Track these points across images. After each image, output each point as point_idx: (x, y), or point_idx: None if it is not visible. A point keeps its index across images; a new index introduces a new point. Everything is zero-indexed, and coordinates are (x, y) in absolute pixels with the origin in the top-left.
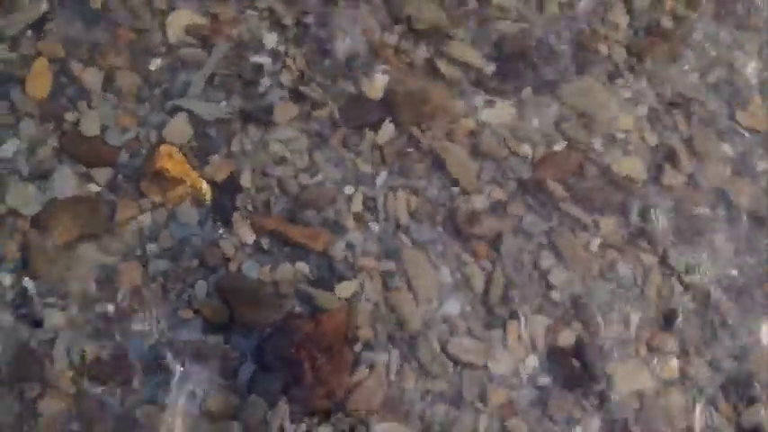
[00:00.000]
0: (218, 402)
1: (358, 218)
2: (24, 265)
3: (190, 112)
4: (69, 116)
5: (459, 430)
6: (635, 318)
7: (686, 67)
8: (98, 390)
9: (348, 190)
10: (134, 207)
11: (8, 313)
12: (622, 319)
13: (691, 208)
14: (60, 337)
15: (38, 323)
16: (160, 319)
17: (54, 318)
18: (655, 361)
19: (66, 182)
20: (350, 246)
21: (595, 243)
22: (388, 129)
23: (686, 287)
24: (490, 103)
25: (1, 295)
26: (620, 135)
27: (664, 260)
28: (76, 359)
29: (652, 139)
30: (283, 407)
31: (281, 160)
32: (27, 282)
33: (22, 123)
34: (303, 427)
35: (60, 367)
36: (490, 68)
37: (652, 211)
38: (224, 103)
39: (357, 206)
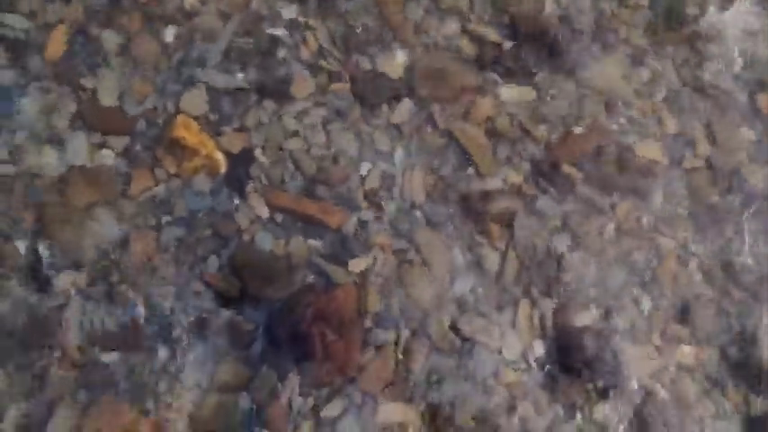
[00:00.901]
0: (229, 373)
1: (373, 195)
2: (39, 231)
3: (206, 84)
4: (87, 83)
5: (468, 409)
6: (648, 304)
7: (707, 52)
8: (107, 357)
9: (364, 167)
10: (149, 176)
11: (20, 279)
12: (635, 304)
13: (707, 194)
14: (71, 305)
15: (49, 288)
16: (172, 289)
17: (66, 284)
18: (666, 347)
19: (81, 149)
20: (364, 223)
21: (611, 227)
22: (406, 106)
23: (703, 274)
24: (509, 84)
25: (14, 261)
26: (640, 118)
27: (681, 246)
28: (87, 326)
29: (671, 124)
30: (293, 380)
31: (297, 135)
32: (41, 247)
33: (40, 89)
34: (311, 401)
35: (71, 334)
36: (510, 49)
37: (670, 196)
38: (240, 75)
39: (372, 183)
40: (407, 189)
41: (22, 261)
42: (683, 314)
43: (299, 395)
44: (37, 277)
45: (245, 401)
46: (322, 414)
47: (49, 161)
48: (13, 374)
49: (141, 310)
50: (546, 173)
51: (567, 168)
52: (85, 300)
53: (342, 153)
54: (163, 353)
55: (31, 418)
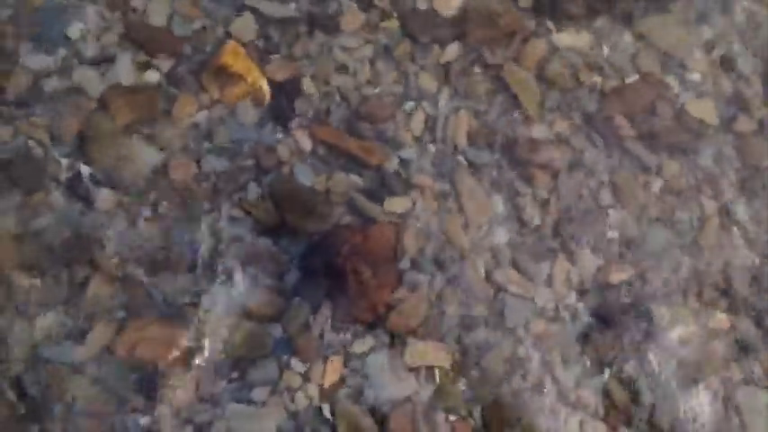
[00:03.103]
0: (262, 302)
1: (416, 135)
2: (81, 148)
3: (256, 10)
4: (137, 3)
5: (496, 356)
6: (688, 265)
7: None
8: (145, 277)
9: (409, 106)
10: (193, 101)
11: (62, 194)
12: (674, 265)
13: (757, 159)
14: (112, 223)
15: (90, 205)
16: (211, 214)
17: (107, 202)
18: (702, 311)
19: (127, 69)
20: (405, 163)
21: (657, 185)
22: (455, 46)
23: (745, 240)
24: (564, 30)
25: (56, 176)
26: (697, 76)
27: (725, 210)
28: (127, 245)
29: (728, 84)
30: (325, 313)
31: (344, 69)
32: (83, 165)
33: (89, 6)
34: (343, 335)
35: (111, 252)
36: None
37: (720, 158)
38: (292, 4)
39: (416, 123)
40: (451, 131)
41: (65, 177)
42: (722, 278)
43: (331, 329)
44: (79, 194)
45: (276, 330)
46: (351, 350)
47: (94, 78)
48: (53, 287)
49: (178, 232)
50: (596, 125)
51: (618, 122)
52: (126, 219)
53: (387, 90)
54: (198, 277)
55: (69, 330)
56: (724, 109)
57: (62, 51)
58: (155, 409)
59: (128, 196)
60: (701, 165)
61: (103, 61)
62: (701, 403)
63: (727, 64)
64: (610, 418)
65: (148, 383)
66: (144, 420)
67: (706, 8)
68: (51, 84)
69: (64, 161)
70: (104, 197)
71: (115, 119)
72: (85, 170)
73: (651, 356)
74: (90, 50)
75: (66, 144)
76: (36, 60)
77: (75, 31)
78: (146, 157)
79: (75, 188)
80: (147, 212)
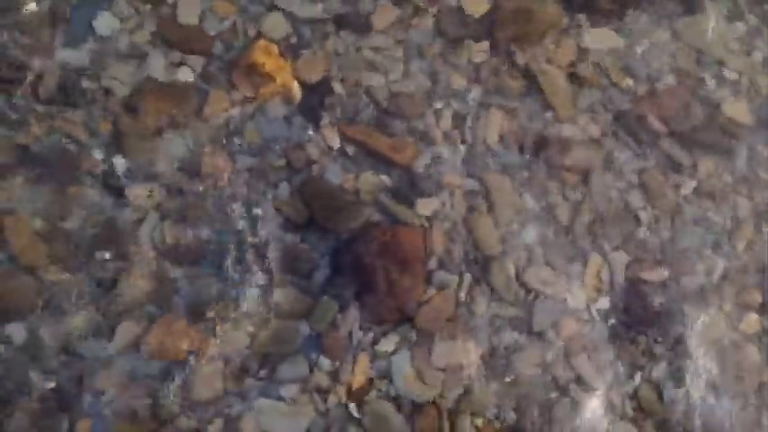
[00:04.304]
0: (290, 299)
1: (446, 134)
2: (115, 144)
3: (286, 11)
4: None
5: (525, 358)
6: (720, 267)
7: None
8: (175, 273)
9: (439, 104)
10: (225, 99)
11: (95, 189)
12: (707, 267)
13: None
14: (145, 219)
15: (123, 200)
16: (241, 211)
17: (140, 198)
18: (734, 313)
19: (159, 66)
20: (434, 162)
21: (690, 186)
22: (487, 45)
23: None
24: (598, 28)
25: (91, 171)
26: (733, 76)
27: (759, 211)
28: (159, 242)
29: (763, 84)
30: (354, 312)
31: (374, 67)
32: (117, 161)
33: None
34: (371, 334)
35: (143, 248)
36: None
37: (755, 158)
38: (321, 5)
39: (446, 122)
40: (482, 130)
41: (99, 171)
42: (755, 281)
43: (359, 329)
44: (112, 189)
45: (304, 328)
46: (379, 349)
47: (127, 75)
48: (84, 283)
49: (210, 228)
50: (629, 124)
51: (651, 121)
52: (158, 215)
53: (418, 89)
54: (227, 273)
55: (99, 325)
56: (760, 108)
57: (95, 47)
58: (185, 402)
59: (160, 191)
60: (736, 165)
61: (137, 57)
62: (732, 407)
63: (764, 62)
64: (640, 421)
65: (178, 377)
66: (173, 412)
67: (743, 5)
68: (85, 80)
69: (98, 157)
70: (137, 192)
71: (148, 116)
72: (120, 166)
73: (683, 359)
74: (123, 47)
75: (100, 140)
76: (70, 56)
77: (107, 26)
78: (178, 152)
79: (109, 183)
80: (178, 207)
